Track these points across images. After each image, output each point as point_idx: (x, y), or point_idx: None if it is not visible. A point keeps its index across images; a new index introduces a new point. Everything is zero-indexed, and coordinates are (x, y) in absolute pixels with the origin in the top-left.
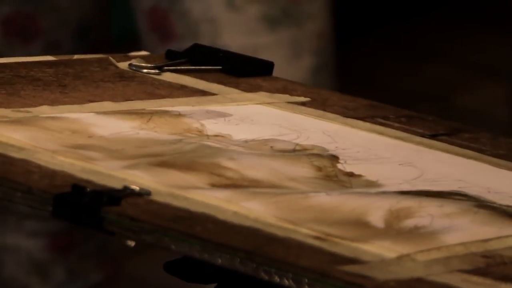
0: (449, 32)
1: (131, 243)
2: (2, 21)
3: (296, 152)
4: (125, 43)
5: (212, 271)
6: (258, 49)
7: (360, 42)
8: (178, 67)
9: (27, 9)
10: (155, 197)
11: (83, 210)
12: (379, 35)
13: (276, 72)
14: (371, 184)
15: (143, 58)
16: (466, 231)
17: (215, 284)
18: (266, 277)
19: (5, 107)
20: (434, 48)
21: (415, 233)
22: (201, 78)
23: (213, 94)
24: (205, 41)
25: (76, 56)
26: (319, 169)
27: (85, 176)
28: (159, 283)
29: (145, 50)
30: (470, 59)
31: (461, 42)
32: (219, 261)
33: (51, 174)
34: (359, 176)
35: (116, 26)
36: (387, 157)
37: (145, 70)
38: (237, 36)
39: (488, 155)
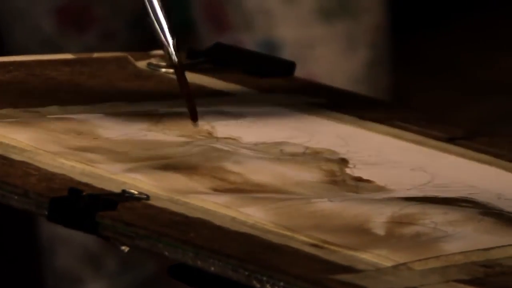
0: None
1: (125, 249)
2: (57, 10)
3: (306, 156)
4: (181, 33)
5: (214, 276)
6: (313, 41)
7: (423, 34)
8: (198, 67)
9: None
10: (153, 202)
11: (78, 214)
12: (442, 27)
13: (330, 66)
14: (379, 189)
15: (163, 57)
16: (468, 239)
17: None
18: (258, 285)
19: (14, 107)
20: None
21: (415, 241)
22: (221, 79)
23: (231, 95)
24: (259, 33)
25: (96, 55)
26: (327, 173)
27: (84, 179)
28: None
29: (200, 41)
30: None
31: None
32: (212, 268)
33: (50, 177)
34: (367, 181)
35: (171, 16)
36: (399, 162)
37: (163, 70)
38: (291, 28)
39: (505, 160)
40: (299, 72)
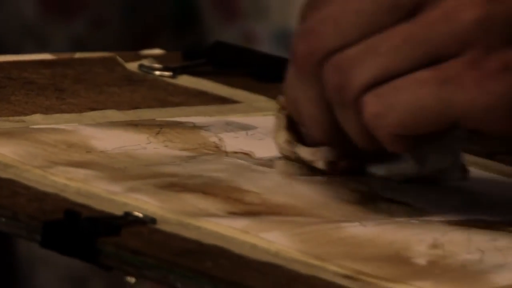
0: None
1: (131, 280)
2: None
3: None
4: (182, 21)
5: None
6: None
7: None
8: (197, 69)
9: None
10: (161, 226)
11: (76, 240)
12: None
13: None
14: (414, 211)
15: (156, 57)
16: None
17: None
18: None
19: None
20: None
21: (461, 272)
22: (224, 83)
23: (236, 102)
24: (275, 21)
25: (77, 55)
26: (358, 192)
27: (80, 199)
28: None
29: (206, 30)
30: None
31: None
32: None
33: (41, 197)
34: (401, 202)
35: (171, 1)
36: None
37: (157, 72)
38: None
39: None
40: None
